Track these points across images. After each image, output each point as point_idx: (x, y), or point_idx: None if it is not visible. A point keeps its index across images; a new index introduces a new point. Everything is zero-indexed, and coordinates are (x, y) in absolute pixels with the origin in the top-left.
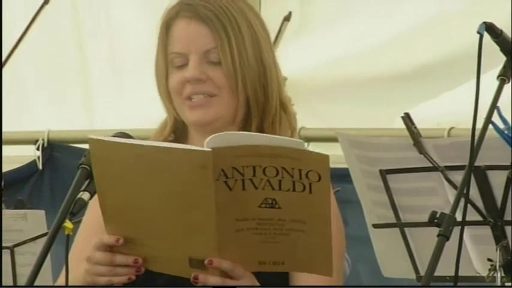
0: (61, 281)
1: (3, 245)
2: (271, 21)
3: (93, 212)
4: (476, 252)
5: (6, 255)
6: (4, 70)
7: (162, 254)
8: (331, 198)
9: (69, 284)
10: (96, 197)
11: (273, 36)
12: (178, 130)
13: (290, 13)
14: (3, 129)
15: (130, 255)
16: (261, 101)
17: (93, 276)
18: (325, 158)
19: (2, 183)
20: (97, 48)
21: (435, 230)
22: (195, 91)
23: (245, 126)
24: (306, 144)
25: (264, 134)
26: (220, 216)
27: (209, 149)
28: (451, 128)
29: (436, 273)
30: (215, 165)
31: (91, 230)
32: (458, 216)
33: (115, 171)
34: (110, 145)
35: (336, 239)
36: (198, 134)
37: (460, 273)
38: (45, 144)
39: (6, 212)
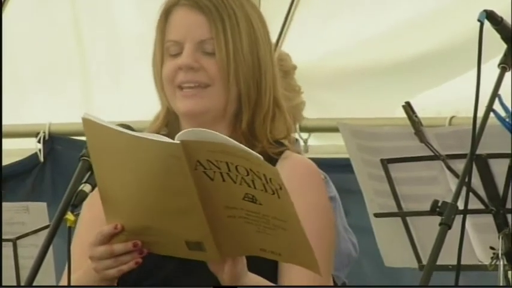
0: (65, 278)
1: (6, 237)
2: (273, 14)
3: (90, 209)
4: (479, 241)
5: (8, 248)
6: (4, 63)
7: (160, 239)
8: (321, 194)
9: (74, 281)
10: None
11: (276, 28)
12: (170, 123)
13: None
14: (4, 123)
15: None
16: (253, 96)
17: (102, 272)
18: (276, 171)
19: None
20: (95, 40)
21: (437, 219)
22: (187, 79)
23: (236, 121)
24: (307, 134)
25: (229, 138)
26: (208, 203)
27: (178, 142)
28: (452, 117)
29: (438, 262)
30: (188, 156)
31: (89, 227)
32: (460, 205)
33: (104, 154)
34: (100, 128)
35: (325, 234)
36: (188, 126)
37: (463, 262)
38: (47, 137)
39: (8, 205)
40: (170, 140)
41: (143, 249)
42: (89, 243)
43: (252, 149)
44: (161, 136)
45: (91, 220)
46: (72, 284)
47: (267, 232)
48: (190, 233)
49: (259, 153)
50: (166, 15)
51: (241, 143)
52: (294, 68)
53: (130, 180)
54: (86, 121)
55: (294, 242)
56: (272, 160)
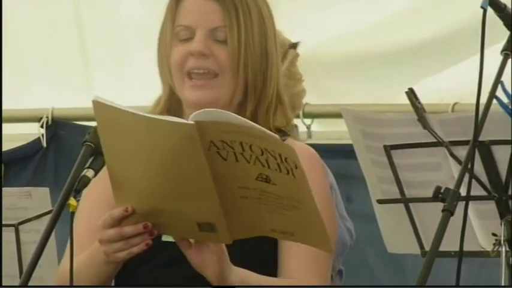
0: (66, 261)
1: (8, 223)
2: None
3: (90, 194)
4: (481, 227)
5: (11, 233)
6: (5, 49)
7: (170, 221)
8: (323, 182)
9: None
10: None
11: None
12: (172, 109)
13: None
14: (7, 107)
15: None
16: (259, 86)
17: (112, 255)
18: (293, 149)
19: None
20: (97, 25)
21: (440, 205)
22: (197, 65)
23: (240, 110)
24: (310, 120)
25: (244, 119)
26: (221, 183)
27: (192, 122)
28: (455, 103)
29: (441, 249)
30: (202, 136)
31: (91, 210)
32: (463, 191)
33: (116, 136)
34: (111, 110)
35: (327, 221)
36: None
37: (465, 248)
38: (49, 122)
39: (10, 190)
40: (184, 121)
41: (153, 230)
42: (98, 226)
43: None
44: (174, 117)
45: (92, 203)
46: (76, 266)
47: (280, 212)
48: (202, 214)
49: None
50: (177, 0)
51: None
52: (296, 55)
53: (142, 162)
54: (97, 104)
55: (309, 221)
56: None
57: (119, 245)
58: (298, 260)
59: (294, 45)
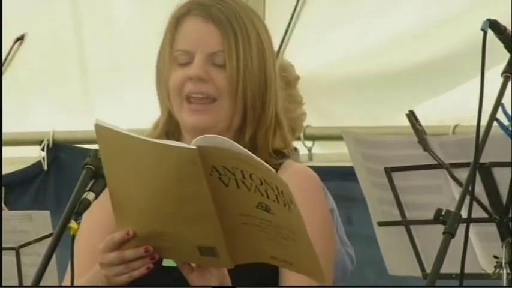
0: (67, 282)
1: (9, 245)
2: (275, 21)
3: (89, 216)
4: (482, 250)
5: (11, 256)
6: (5, 71)
7: (171, 244)
8: (322, 205)
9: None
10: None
11: (278, 37)
12: (170, 132)
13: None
14: (7, 131)
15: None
16: (258, 110)
17: (113, 279)
18: (287, 185)
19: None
20: (97, 48)
21: (441, 228)
22: (196, 90)
23: (239, 134)
24: (311, 143)
25: (244, 149)
26: (222, 208)
27: (194, 147)
28: (456, 126)
29: (442, 271)
30: (204, 162)
31: (91, 233)
32: (464, 214)
33: (117, 160)
34: (113, 133)
35: (325, 245)
36: (191, 139)
37: (466, 271)
38: (50, 145)
39: (11, 213)
40: (186, 145)
41: (155, 254)
42: (99, 250)
43: None
44: (176, 142)
45: (92, 225)
46: None
47: (279, 241)
48: (204, 239)
49: None
50: (176, 23)
51: None
52: (297, 78)
53: (144, 185)
54: (99, 127)
55: (302, 253)
56: None
57: (120, 268)
58: (301, 277)
59: None
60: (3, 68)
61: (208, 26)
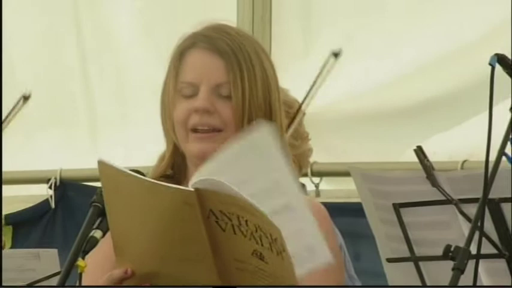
0: None
1: (16, 284)
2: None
3: (99, 250)
4: (492, 286)
5: None
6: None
7: (169, 284)
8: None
9: None
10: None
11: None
12: (176, 165)
13: (340, 50)
14: (15, 169)
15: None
16: None
17: None
18: (280, 232)
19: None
20: (103, 86)
21: (450, 264)
22: (202, 122)
23: None
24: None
25: (241, 193)
26: (218, 252)
27: (192, 189)
28: (465, 161)
29: None
30: (202, 204)
31: (99, 266)
32: (473, 249)
33: (118, 198)
34: (115, 172)
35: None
36: (196, 170)
37: None
38: (58, 183)
39: (18, 251)
40: (184, 188)
41: None
42: (98, 282)
43: None
44: (175, 185)
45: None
46: None
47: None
48: (199, 280)
49: None
50: (181, 56)
51: None
52: (303, 114)
53: (141, 225)
54: (102, 165)
55: None
56: None
57: None
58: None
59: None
60: (3, 125)
61: (213, 58)
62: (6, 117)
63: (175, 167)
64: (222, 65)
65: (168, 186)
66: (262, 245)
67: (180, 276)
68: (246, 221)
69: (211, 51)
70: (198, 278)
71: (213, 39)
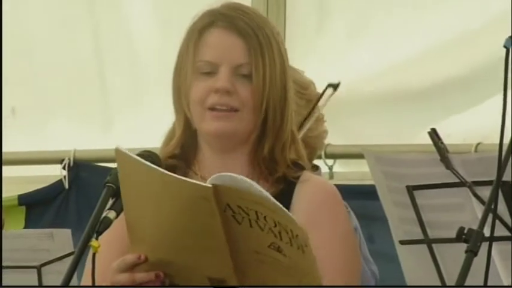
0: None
1: (30, 264)
2: (294, 37)
3: (112, 231)
4: (505, 268)
5: (33, 275)
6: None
7: (182, 273)
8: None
9: None
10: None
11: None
12: (186, 144)
13: (339, 82)
14: (29, 149)
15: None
16: (277, 123)
17: None
18: (303, 229)
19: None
20: (117, 66)
21: (463, 246)
22: (221, 102)
23: (257, 146)
24: (332, 161)
25: (261, 189)
26: (234, 244)
27: (209, 185)
28: (479, 143)
29: None
30: (218, 199)
31: (112, 248)
32: (487, 232)
33: (134, 186)
34: (132, 161)
35: (350, 262)
36: (209, 150)
37: None
38: (71, 164)
39: (32, 232)
40: (201, 183)
41: (165, 279)
42: (111, 269)
43: (273, 174)
44: (193, 181)
45: (111, 242)
46: None
47: (291, 281)
48: (214, 271)
49: (279, 178)
50: (199, 34)
51: (261, 168)
52: (318, 96)
53: (157, 215)
54: (119, 153)
55: None
56: (291, 184)
57: None
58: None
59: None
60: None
61: (234, 38)
62: None
63: (186, 147)
64: (242, 45)
65: (185, 181)
66: (281, 239)
67: (194, 267)
68: (265, 216)
69: (231, 31)
70: (213, 269)
71: (232, 18)
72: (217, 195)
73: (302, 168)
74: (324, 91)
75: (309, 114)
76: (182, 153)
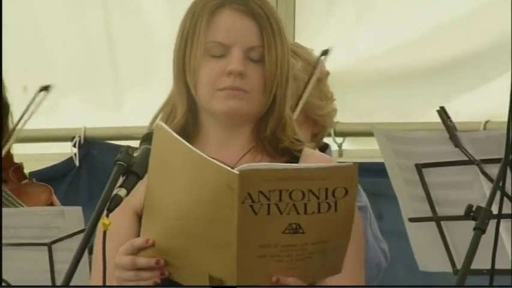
0: (94, 277)
1: (41, 241)
2: (303, 16)
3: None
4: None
5: (44, 252)
6: (37, 68)
7: (184, 265)
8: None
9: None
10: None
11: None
12: (188, 124)
13: (330, 48)
14: (39, 127)
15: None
16: (282, 105)
17: (122, 282)
18: (354, 169)
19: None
20: (127, 45)
21: (471, 224)
22: (234, 85)
23: (259, 126)
24: (341, 139)
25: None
26: (244, 241)
27: (237, 172)
28: (487, 121)
29: (473, 267)
30: (241, 188)
31: (120, 227)
32: (495, 209)
33: (167, 166)
34: (171, 138)
35: (353, 242)
36: (214, 127)
37: (497, 266)
38: (82, 141)
39: (43, 209)
40: (230, 169)
41: (164, 270)
42: (119, 251)
43: (277, 148)
44: (223, 165)
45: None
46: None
47: (295, 266)
48: (217, 268)
49: (284, 150)
50: (211, 14)
51: (264, 144)
52: (327, 74)
53: (181, 198)
54: (159, 128)
55: (331, 258)
56: (294, 158)
57: (130, 274)
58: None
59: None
60: (25, 117)
61: (247, 20)
62: (26, 110)
63: (187, 127)
64: (254, 28)
65: (216, 164)
66: (305, 212)
67: (198, 259)
68: (291, 192)
69: (244, 13)
70: (217, 266)
71: (245, 0)
72: (242, 183)
73: (301, 143)
74: (319, 59)
75: (308, 81)
76: (184, 130)
